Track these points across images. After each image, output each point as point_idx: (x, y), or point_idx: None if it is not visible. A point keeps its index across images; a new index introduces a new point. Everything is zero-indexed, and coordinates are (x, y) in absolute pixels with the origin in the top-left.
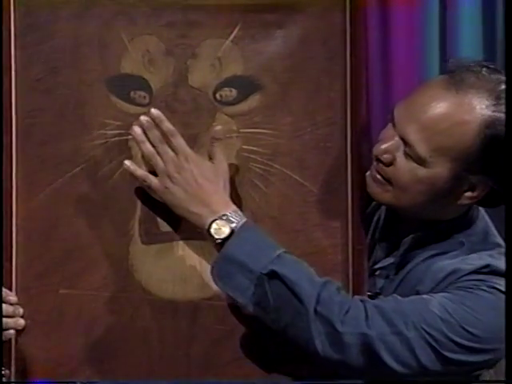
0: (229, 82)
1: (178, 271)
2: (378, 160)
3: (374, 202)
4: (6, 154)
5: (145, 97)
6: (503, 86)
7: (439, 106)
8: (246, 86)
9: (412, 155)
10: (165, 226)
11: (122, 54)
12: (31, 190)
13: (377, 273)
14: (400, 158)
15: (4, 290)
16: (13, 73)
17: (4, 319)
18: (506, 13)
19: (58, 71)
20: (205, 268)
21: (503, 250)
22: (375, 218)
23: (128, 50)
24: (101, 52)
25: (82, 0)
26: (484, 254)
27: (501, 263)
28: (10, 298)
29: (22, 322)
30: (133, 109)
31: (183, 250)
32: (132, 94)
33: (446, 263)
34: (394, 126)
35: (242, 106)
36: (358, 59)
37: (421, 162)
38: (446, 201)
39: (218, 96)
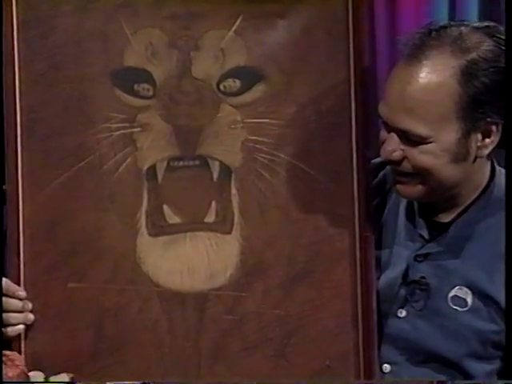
0: (232, 73)
1: (186, 262)
2: (391, 162)
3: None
4: (11, 149)
5: (149, 89)
6: (468, 34)
7: (412, 84)
8: (249, 77)
9: (416, 139)
10: (172, 218)
11: (124, 46)
12: (37, 184)
13: (419, 259)
14: (408, 149)
15: (12, 284)
16: (16, 68)
17: (13, 314)
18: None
19: (61, 65)
20: (212, 258)
21: None
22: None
23: (131, 43)
24: (104, 45)
25: None
26: None
27: None
28: (19, 292)
29: (31, 316)
30: (137, 101)
31: (190, 242)
32: (136, 86)
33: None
34: (385, 125)
35: (246, 97)
36: (362, 46)
37: (426, 140)
38: (470, 160)
39: (221, 87)
